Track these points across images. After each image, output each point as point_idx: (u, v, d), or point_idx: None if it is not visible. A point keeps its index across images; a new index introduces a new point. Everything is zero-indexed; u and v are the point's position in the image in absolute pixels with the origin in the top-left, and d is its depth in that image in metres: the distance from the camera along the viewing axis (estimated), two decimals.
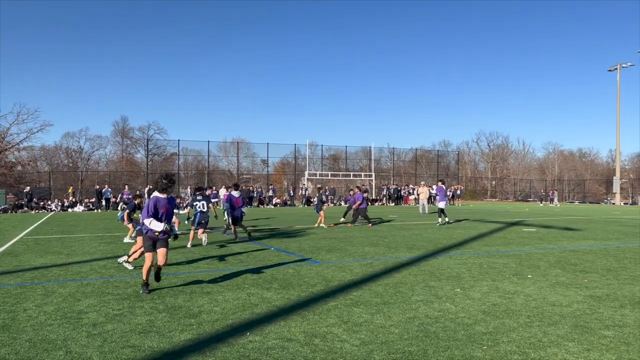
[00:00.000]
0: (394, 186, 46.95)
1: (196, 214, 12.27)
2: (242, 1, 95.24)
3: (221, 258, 9.82)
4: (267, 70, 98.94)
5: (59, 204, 35.27)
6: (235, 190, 13.71)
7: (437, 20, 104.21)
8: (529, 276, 7.79)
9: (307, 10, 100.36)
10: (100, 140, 64.19)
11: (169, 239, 6.72)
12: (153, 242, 6.55)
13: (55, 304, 6.00)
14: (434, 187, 29.20)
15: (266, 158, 52.79)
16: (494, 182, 70.61)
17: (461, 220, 20.44)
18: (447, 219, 19.57)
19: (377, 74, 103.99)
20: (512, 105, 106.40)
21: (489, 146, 78.87)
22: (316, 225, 18.08)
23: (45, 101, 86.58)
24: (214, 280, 7.45)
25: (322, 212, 18.29)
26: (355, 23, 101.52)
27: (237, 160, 54.61)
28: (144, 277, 6.63)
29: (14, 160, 51.41)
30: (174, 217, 7.43)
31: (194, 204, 12.44)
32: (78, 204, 35.68)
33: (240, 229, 13.83)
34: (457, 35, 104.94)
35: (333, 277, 7.66)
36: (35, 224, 20.32)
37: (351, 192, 20.25)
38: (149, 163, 52.77)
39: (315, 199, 18.64)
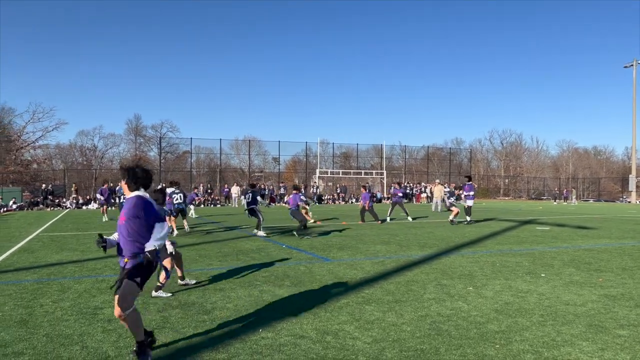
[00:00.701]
0: (404, 184, 46.75)
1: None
2: (252, 0, 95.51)
3: (234, 255, 9.88)
4: (279, 69, 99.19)
5: (74, 201, 35.71)
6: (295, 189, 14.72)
7: (449, 18, 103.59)
8: (543, 275, 7.73)
9: (318, 9, 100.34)
10: (114, 138, 64.82)
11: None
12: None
13: (71, 299, 6.09)
14: (446, 185, 29.10)
15: (277, 156, 52.92)
16: (506, 180, 70.03)
17: (482, 221, 20.29)
18: (468, 219, 18.61)
19: (389, 72, 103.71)
20: (526, 103, 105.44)
21: (502, 144, 78.24)
22: (313, 221, 18.57)
23: (60, 100, 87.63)
24: (226, 277, 7.50)
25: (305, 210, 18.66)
26: (366, 21, 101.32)
27: (249, 158, 54.84)
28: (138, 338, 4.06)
29: (29, 158, 52.16)
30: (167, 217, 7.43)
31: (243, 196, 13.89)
32: (92, 202, 36.09)
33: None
34: (470, 33, 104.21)
35: (345, 275, 7.68)
36: (51, 221, 20.60)
37: (392, 186, 21.04)
38: (162, 161, 53.16)
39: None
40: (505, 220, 20.47)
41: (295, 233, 13.55)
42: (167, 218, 14.92)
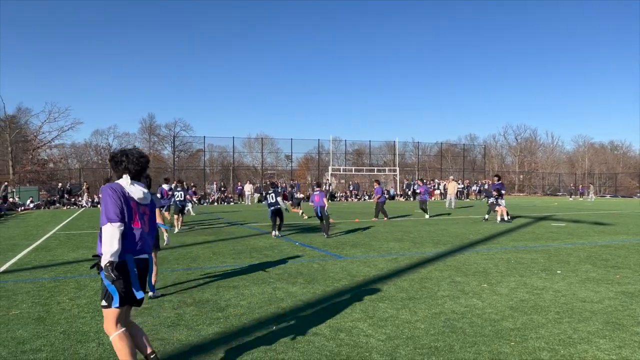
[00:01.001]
0: (406, 181, 46.56)
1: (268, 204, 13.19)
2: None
3: (247, 252, 9.91)
4: (291, 67, 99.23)
5: (89, 200, 36.14)
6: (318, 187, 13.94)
7: (461, 14, 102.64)
8: (558, 272, 7.65)
9: (330, 7, 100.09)
10: (128, 137, 65.43)
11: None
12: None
13: (87, 297, 6.16)
14: (460, 182, 28.92)
15: (290, 154, 52.98)
16: (521, 176, 69.30)
17: (517, 217, 20.13)
18: (487, 217, 18.17)
19: (401, 68, 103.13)
20: (541, 98, 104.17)
21: (517, 139, 77.42)
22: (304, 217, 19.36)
23: (75, 100, 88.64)
24: (240, 275, 7.53)
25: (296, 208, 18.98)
26: (379, 18, 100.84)
27: (262, 156, 54.94)
28: None
29: (46, 157, 52.84)
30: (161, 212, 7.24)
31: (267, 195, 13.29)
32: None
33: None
34: (483, 28, 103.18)
35: (358, 273, 7.66)
36: (67, 220, 20.88)
37: (419, 182, 21.01)
38: (176, 159, 53.56)
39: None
40: (520, 216, 20.26)
41: (325, 235, 12.82)
42: (159, 211, 14.95)
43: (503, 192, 18.02)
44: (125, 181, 3.37)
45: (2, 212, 24.66)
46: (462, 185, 44.82)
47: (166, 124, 65.60)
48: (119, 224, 3.15)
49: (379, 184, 20.17)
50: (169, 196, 15.59)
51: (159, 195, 14.70)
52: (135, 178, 3.42)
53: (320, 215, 13.18)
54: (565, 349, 4.14)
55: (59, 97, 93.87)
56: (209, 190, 42.80)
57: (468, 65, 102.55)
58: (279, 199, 13.25)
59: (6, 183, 33.60)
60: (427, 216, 20.20)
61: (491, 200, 18.05)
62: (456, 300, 5.87)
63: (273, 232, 13.05)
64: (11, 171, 45.82)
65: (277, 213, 13.09)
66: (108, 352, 4.13)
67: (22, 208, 30.72)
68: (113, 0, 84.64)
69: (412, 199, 42.71)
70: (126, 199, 3.29)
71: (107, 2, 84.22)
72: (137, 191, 3.38)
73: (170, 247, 11.09)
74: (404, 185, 45.52)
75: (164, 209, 15.17)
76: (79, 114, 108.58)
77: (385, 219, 18.70)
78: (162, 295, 6.20)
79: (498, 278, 7.17)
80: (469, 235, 13.04)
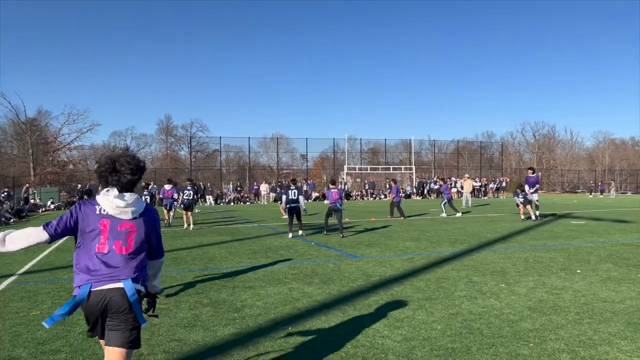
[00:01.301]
0: (418, 180, 46.27)
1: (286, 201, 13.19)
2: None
3: (263, 252, 9.95)
4: (306, 66, 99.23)
5: None
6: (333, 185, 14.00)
7: (478, 9, 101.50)
8: (578, 271, 7.52)
9: (344, 6, 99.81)
10: (146, 138, 66.22)
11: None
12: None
13: None
14: (477, 179, 28.64)
15: (305, 153, 53.06)
16: (540, 173, 68.41)
17: (544, 216, 19.89)
18: (537, 213, 17.19)
19: (416, 65, 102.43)
20: (560, 94, 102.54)
21: (535, 136, 76.38)
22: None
23: (94, 102, 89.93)
24: (256, 275, 7.56)
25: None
26: (393, 16, 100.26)
27: (277, 155, 55.13)
28: None
29: (65, 159, 53.71)
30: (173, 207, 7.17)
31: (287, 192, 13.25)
32: None
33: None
34: (499, 23, 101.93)
35: (374, 272, 7.63)
36: None
37: (440, 181, 20.94)
38: (192, 160, 54.00)
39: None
40: (539, 214, 19.95)
41: (340, 234, 12.77)
42: (166, 211, 17.51)
43: (527, 187, 17.20)
44: (105, 196, 2.77)
45: (24, 213, 25.13)
46: (480, 183, 44.36)
47: (183, 125, 66.21)
48: (44, 232, 2.72)
49: (395, 182, 20.23)
50: (171, 196, 17.05)
51: (161, 196, 15.73)
52: (126, 189, 2.82)
53: (334, 213, 13.08)
54: (586, 351, 4.06)
55: (77, 100, 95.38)
56: (225, 190, 43.06)
57: (484, 62, 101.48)
58: (301, 197, 13.20)
59: (27, 185, 34.25)
60: (446, 214, 19.98)
61: (521, 198, 17.25)
62: (473, 300, 5.81)
63: (290, 234, 12.84)
64: (32, 173, 46.70)
65: (294, 211, 12.99)
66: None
67: (44, 209, 31.26)
68: (129, 2, 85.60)
69: (430, 196, 42.43)
70: (94, 217, 2.75)
71: (123, 5, 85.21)
72: (110, 203, 2.74)
73: (187, 247, 11.18)
74: (416, 183, 45.21)
75: (168, 208, 17.30)
76: (97, 116, 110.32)
77: (402, 218, 18.64)
78: (177, 293, 6.25)
79: (516, 278, 7.08)
80: (486, 234, 12.90)
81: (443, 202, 20.92)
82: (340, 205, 13.10)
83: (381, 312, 5.33)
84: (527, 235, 12.35)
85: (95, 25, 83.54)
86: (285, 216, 20.41)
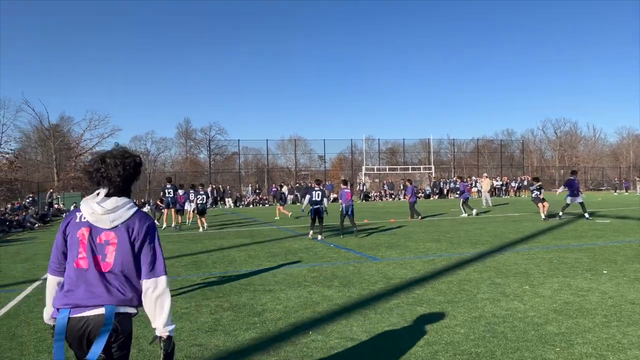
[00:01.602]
0: (434, 179, 45.87)
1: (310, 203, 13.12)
2: (293, 1, 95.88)
3: (282, 255, 9.95)
4: (322, 67, 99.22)
5: None
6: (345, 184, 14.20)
7: (495, 6, 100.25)
8: (605, 272, 7.33)
9: (360, 6, 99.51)
10: (166, 142, 66.95)
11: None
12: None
13: None
14: (498, 178, 28.24)
15: (323, 154, 53.08)
16: (562, 171, 67.18)
17: (572, 215, 19.54)
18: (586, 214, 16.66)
19: (433, 63, 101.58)
20: (581, 90, 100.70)
21: (556, 133, 75.07)
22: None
23: (114, 107, 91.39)
24: (276, 278, 7.55)
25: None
26: (409, 14, 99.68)
27: (295, 157, 55.26)
28: None
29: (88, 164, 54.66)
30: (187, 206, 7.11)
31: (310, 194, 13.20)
32: (146, 205, 37.40)
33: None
34: (518, 20, 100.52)
35: (394, 275, 7.56)
36: None
37: (458, 180, 20.90)
38: (212, 163, 54.45)
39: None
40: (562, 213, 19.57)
41: (355, 234, 13.03)
42: (167, 211, 18.46)
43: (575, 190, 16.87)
44: (87, 201, 2.40)
45: (48, 218, 25.62)
46: (501, 182, 43.76)
47: (202, 128, 66.81)
48: (50, 276, 2.40)
49: (410, 183, 20.11)
50: (183, 200, 17.98)
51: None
52: (120, 191, 2.42)
53: (348, 212, 13.24)
54: (615, 355, 3.95)
55: (98, 105, 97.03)
56: (244, 193, 43.29)
57: (502, 59, 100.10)
58: (324, 198, 13.20)
59: (51, 190, 34.93)
60: (466, 214, 19.74)
61: (535, 193, 17.23)
62: (497, 303, 5.71)
63: (310, 232, 12.99)
64: (56, 178, 47.63)
65: (317, 212, 12.98)
66: (147, 358, 4.19)
67: (67, 214, 31.85)
68: (148, 8, 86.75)
69: (450, 196, 42.02)
70: (73, 226, 2.38)
71: (142, 11, 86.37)
72: (88, 208, 2.36)
73: (207, 250, 11.26)
74: (432, 183, 44.82)
75: (178, 212, 17.93)
76: (118, 121, 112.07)
77: (419, 218, 18.53)
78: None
79: (540, 279, 6.94)
80: (508, 234, 12.70)
81: (462, 202, 20.72)
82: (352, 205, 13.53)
83: (403, 316, 5.26)
84: (551, 235, 12.12)
85: (115, 32, 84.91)
86: (278, 217, 21.76)
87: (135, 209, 2.39)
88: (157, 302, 2.33)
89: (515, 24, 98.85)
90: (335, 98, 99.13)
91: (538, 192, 17.20)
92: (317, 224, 13.04)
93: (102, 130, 56.65)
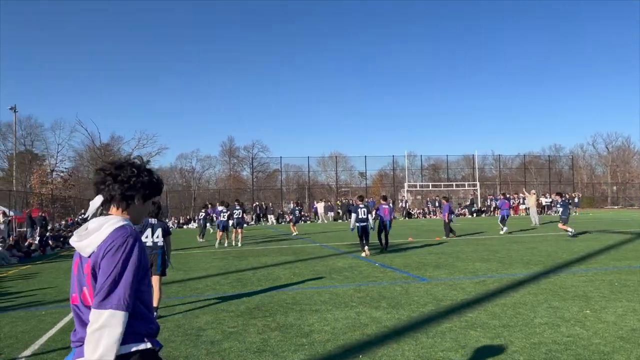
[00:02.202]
0: (471, 196, 44.69)
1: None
2: (330, 12, 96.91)
3: (327, 273, 9.84)
4: (362, 82, 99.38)
5: (175, 221, 38.02)
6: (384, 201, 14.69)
7: (542, 13, 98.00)
8: None
9: (396, 15, 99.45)
10: (210, 160, 68.34)
11: None
12: None
13: (175, 320, 6.34)
14: (547, 195, 27.24)
15: (364, 171, 52.84)
16: (614, 188, 64.29)
17: (613, 232, 18.72)
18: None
19: (478, 78, 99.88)
20: (634, 103, 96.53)
21: (607, 148, 72.06)
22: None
23: (161, 126, 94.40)
24: (321, 297, 7.45)
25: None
26: (451, 25, 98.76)
27: (336, 174, 55.26)
28: None
29: None
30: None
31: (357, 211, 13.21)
32: (192, 222, 38.18)
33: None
34: (565, 29, 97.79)
35: (444, 297, 7.31)
36: None
37: (501, 197, 20.96)
38: (254, 180, 55.18)
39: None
40: (618, 232, 18.65)
41: (385, 248, 13.57)
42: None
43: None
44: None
45: None
46: (550, 199, 42.17)
47: (245, 146, 67.86)
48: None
49: (447, 201, 19.85)
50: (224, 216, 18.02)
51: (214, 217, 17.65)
52: (119, 206, 2.13)
53: (385, 229, 13.76)
54: None
55: (147, 125, 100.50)
56: (285, 209, 43.52)
57: (550, 71, 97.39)
58: (370, 215, 13.19)
59: (101, 207, 36.19)
60: (501, 232, 19.46)
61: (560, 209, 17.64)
62: (556, 328, 5.40)
63: (366, 251, 12.79)
64: None
65: (365, 230, 13.01)
66: None
67: None
68: (190, 35, 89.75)
69: (495, 213, 40.84)
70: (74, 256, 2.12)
71: (187, 39, 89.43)
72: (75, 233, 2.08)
73: (252, 267, 11.28)
74: (470, 201, 43.68)
75: (219, 228, 17.98)
76: (165, 140, 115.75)
77: (453, 236, 18.10)
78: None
79: (602, 303, 6.54)
80: (561, 254, 12.14)
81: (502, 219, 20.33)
82: (390, 222, 13.98)
83: (456, 340, 5.05)
84: (609, 256, 11.50)
85: (161, 55, 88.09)
86: (296, 233, 22.47)
87: (115, 227, 1.97)
88: (91, 336, 1.82)
89: (562, 35, 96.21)
90: (376, 114, 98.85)
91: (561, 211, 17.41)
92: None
93: (150, 148, 58.24)
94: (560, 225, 17.30)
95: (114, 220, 2.01)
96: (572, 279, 8.43)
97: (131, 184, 2.09)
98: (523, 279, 8.60)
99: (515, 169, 59.13)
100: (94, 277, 1.92)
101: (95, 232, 1.98)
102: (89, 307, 1.92)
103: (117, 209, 2.11)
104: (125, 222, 2.03)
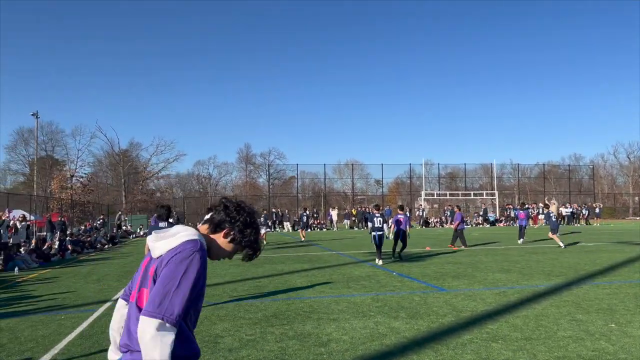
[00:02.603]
0: (484, 206, 44.25)
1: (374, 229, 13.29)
2: (355, 26, 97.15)
3: (344, 282, 9.77)
4: (381, 90, 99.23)
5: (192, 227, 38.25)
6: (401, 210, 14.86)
7: (563, 21, 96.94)
8: None
9: (413, 22, 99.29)
10: (227, 166, 68.76)
11: None
12: None
13: (204, 325, 6.32)
14: (567, 205, 26.82)
15: (380, 179, 52.68)
16: (636, 198, 63.04)
17: (637, 244, 18.32)
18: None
19: (496, 85, 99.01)
20: None
21: (629, 158, 70.72)
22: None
23: (179, 133, 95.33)
24: (339, 306, 7.39)
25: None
26: (470, 32, 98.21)
27: (352, 181, 55.17)
28: None
29: (153, 187, 57.14)
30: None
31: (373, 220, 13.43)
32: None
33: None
34: (588, 36, 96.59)
35: (464, 307, 7.19)
36: None
37: (517, 207, 21.08)
38: (270, 187, 55.36)
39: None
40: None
41: (400, 257, 13.81)
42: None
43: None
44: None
45: (117, 240, 26.78)
46: (571, 209, 41.46)
47: (261, 153, 68.16)
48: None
49: (459, 209, 19.75)
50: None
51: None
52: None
53: (401, 238, 13.97)
54: None
55: (165, 131, 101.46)
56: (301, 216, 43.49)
57: (569, 79, 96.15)
58: (385, 225, 13.29)
59: (120, 212, 36.64)
60: (519, 241, 19.77)
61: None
62: (581, 342, 5.26)
63: (379, 260, 12.97)
64: (124, 200, 50.01)
65: (380, 239, 13.16)
66: None
67: (134, 235, 33.18)
68: (210, 44, 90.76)
69: (514, 223, 40.29)
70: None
71: (202, 41, 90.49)
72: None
73: (269, 274, 11.26)
74: (482, 210, 43.20)
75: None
76: (182, 146, 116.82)
77: (463, 247, 17.77)
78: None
79: (627, 317, 6.37)
80: (584, 265, 11.90)
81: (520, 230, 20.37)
82: (406, 232, 14.13)
83: (477, 353, 4.95)
84: (633, 268, 11.23)
85: (180, 62, 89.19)
86: (303, 239, 23.12)
87: (186, 239, 1.96)
88: (145, 347, 1.77)
89: (581, 42, 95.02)
90: (393, 121, 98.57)
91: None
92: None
93: (168, 155, 58.84)
94: (550, 234, 17.92)
95: (191, 232, 2.02)
96: (596, 292, 8.24)
97: (237, 221, 2.13)
98: (544, 291, 8.43)
99: (534, 179, 58.41)
100: (154, 281, 1.90)
101: (170, 237, 1.98)
102: (140, 309, 1.89)
103: (207, 228, 2.15)
104: (199, 237, 2.02)
